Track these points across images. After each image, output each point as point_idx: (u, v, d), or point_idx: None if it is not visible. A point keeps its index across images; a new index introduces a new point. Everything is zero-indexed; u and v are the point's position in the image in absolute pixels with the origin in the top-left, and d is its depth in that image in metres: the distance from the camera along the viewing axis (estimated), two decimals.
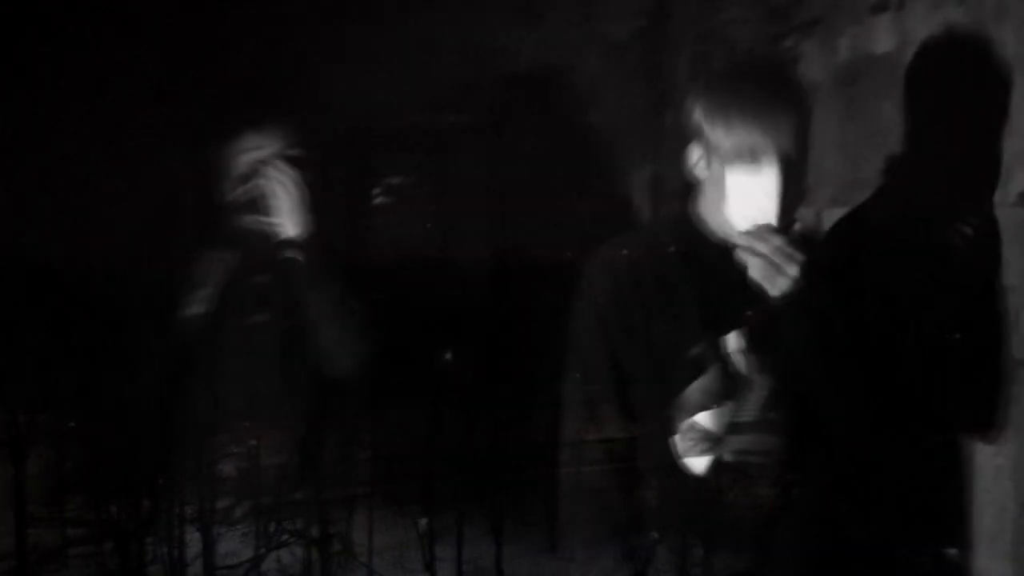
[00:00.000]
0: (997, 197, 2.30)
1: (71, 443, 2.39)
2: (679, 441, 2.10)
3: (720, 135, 2.02)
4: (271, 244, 2.38)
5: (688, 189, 2.14)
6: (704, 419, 2.09)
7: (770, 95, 2.03)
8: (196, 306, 2.38)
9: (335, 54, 2.78)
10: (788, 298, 1.98)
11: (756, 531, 2.10)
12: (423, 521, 2.45)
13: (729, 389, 2.08)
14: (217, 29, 2.71)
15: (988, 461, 2.35)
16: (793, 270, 1.96)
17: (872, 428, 2.13)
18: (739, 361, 2.09)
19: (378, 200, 2.98)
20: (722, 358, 2.09)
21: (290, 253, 2.37)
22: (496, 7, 2.93)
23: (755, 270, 1.99)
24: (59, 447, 2.36)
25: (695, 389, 2.09)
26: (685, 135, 2.10)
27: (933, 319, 2.27)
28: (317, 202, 2.39)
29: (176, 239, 2.48)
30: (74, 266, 2.44)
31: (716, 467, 2.09)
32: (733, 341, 2.09)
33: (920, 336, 2.26)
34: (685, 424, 2.09)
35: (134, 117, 2.57)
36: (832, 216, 2.54)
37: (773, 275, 1.97)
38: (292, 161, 2.38)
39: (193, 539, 2.30)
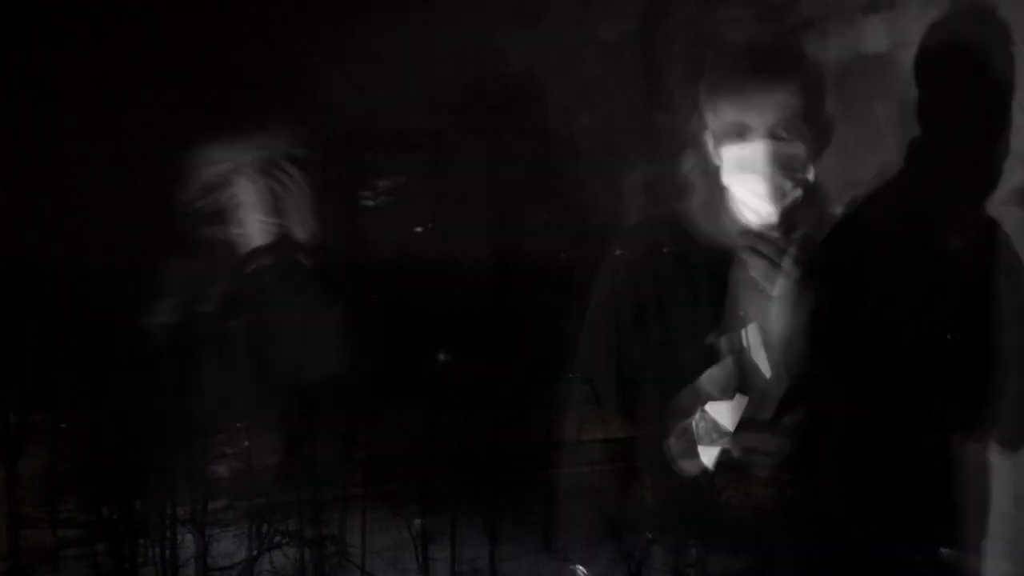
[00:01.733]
0: (997, 197, 2.30)
1: (65, 444, 2.39)
2: (677, 442, 2.10)
3: (720, 136, 2.02)
4: (272, 244, 2.38)
5: (687, 189, 2.14)
6: (702, 419, 2.09)
7: (771, 96, 2.03)
8: (195, 306, 2.38)
9: (335, 54, 2.78)
10: (787, 298, 1.98)
11: (755, 531, 2.09)
12: (417, 522, 2.45)
13: (728, 389, 2.08)
14: (217, 29, 2.71)
15: (987, 461, 2.34)
16: (793, 270, 1.96)
17: (871, 428, 2.13)
18: (738, 361, 2.09)
19: (378, 200, 2.98)
20: (721, 358, 2.09)
21: (292, 253, 2.38)
22: (495, 8, 2.93)
23: (755, 270, 1.99)
24: (53, 448, 2.37)
25: (694, 389, 2.09)
26: (683, 136, 2.10)
27: (932, 319, 2.27)
28: (318, 202, 2.39)
29: (175, 239, 2.48)
30: (72, 266, 2.44)
31: (714, 467, 2.09)
32: (732, 341, 2.09)
33: (919, 336, 2.25)
34: (683, 424, 2.09)
35: (134, 117, 2.57)
36: (832, 216, 2.54)
37: (773, 275, 1.97)
38: (294, 161, 2.38)
39: (186, 541, 2.30)
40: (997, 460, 2.33)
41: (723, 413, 2.08)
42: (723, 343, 2.09)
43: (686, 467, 2.09)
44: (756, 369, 2.08)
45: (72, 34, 2.60)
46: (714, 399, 2.08)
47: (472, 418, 2.57)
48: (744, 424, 2.07)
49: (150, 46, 2.65)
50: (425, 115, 2.92)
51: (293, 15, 2.77)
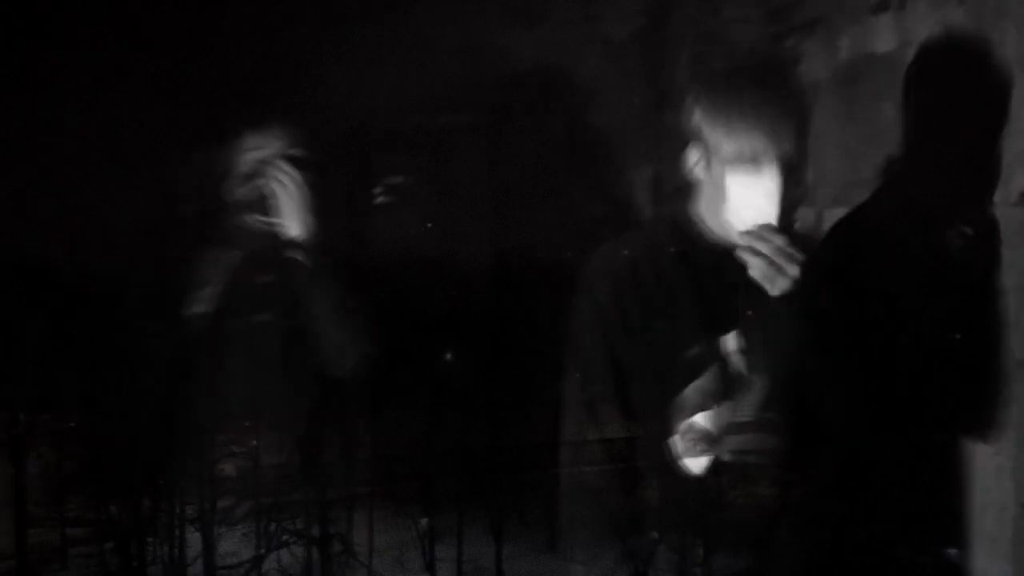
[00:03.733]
0: (997, 197, 2.31)
1: (72, 443, 2.39)
2: (678, 441, 2.10)
3: (720, 137, 2.03)
4: (273, 244, 2.38)
5: (688, 189, 2.15)
6: (703, 419, 2.09)
7: (770, 97, 2.04)
8: (198, 306, 2.38)
9: (335, 54, 2.78)
10: (788, 298, 1.98)
11: (756, 531, 2.10)
12: (423, 521, 2.45)
13: (728, 389, 2.09)
14: (217, 29, 2.71)
15: (988, 461, 2.35)
16: (793, 270, 1.97)
17: (872, 428, 2.13)
18: (738, 361, 2.09)
19: (378, 200, 2.98)
20: (721, 358, 2.09)
21: (292, 253, 2.38)
22: (496, 8, 2.93)
23: (755, 270, 1.99)
24: (59, 447, 2.37)
25: (694, 389, 2.09)
26: (685, 135, 2.11)
27: (932, 319, 2.27)
28: (319, 202, 2.39)
29: (178, 239, 2.48)
30: (74, 266, 2.44)
31: (715, 467, 2.09)
32: (732, 341, 2.10)
33: (919, 336, 2.26)
34: (684, 424, 2.09)
35: (134, 117, 2.56)
36: (832, 216, 2.54)
37: (773, 275, 1.98)
38: (294, 161, 2.38)
39: (193, 539, 2.30)
40: (998, 460, 2.33)
41: (723, 412, 2.08)
42: (723, 343, 2.09)
43: (689, 466, 2.10)
44: (755, 369, 2.08)
45: (72, 34, 2.59)
46: (714, 399, 2.08)
47: (473, 418, 2.57)
48: (744, 424, 2.08)
49: (150, 46, 2.64)
50: (426, 115, 2.92)
51: (293, 15, 2.77)
